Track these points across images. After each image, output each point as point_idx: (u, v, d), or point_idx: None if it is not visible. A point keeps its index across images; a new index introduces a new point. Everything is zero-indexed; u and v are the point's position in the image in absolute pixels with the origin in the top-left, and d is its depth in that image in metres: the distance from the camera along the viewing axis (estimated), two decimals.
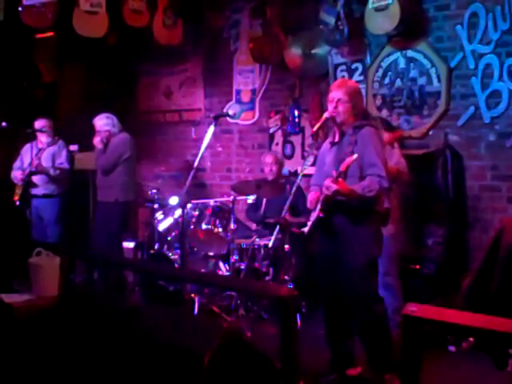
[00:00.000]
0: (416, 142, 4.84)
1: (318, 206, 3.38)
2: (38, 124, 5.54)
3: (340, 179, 3.24)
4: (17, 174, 5.49)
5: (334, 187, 3.23)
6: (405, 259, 4.42)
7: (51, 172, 5.48)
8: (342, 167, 3.24)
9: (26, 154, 5.54)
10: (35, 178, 5.45)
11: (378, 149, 3.35)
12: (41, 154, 5.43)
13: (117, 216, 5.28)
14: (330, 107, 3.45)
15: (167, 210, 5.33)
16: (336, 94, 3.45)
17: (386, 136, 4.13)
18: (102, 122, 5.30)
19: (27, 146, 5.54)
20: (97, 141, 5.28)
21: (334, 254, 3.41)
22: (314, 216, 3.45)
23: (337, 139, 3.49)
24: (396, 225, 4.11)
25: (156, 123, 6.74)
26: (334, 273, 3.44)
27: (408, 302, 1.80)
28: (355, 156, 3.23)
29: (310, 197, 3.50)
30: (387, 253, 3.89)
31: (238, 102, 6.07)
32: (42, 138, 5.54)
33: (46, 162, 5.51)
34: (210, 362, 1.59)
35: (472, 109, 4.57)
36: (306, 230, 3.53)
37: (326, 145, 3.65)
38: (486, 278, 3.61)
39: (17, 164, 5.63)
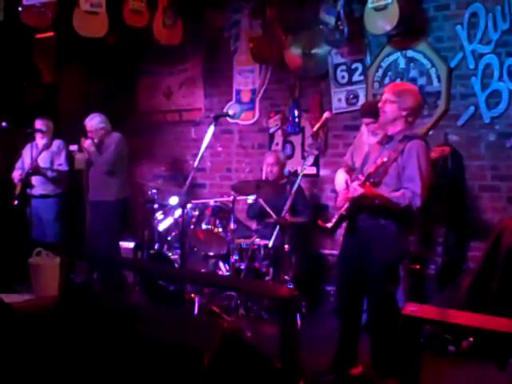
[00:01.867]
0: None
1: (346, 205, 3.35)
2: (37, 124, 5.55)
3: (367, 183, 3.18)
4: (15, 175, 5.49)
5: (360, 191, 3.19)
6: None
7: (48, 174, 5.47)
8: (370, 168, 3.19)
9: (27, 154, 5.55)
10: (33, 179, 5.44)
11: (423, 165, 3.21)
12: (38, 156, 5.41)
13: (118, 214, 5.32)
14: (381, 109, 3.38)
15: (167, 210, 5.33)
16: (386, 94, 3.38)
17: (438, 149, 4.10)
18: (97, 120, 5.31)
19: (28, 146, 5.55)
20: (88, 144, 5.26)
21: (357, 254, 3.40)
22: (339, 212, 3.41)
23: (384, 141, 3.42)
24: None
25: (156, 123, 6.74)
26: (356, 273, 3.43)
27: (408, 302, 1.80)
28: (385, 159, 3.17)
29: (341, 195, 3.44)
30: None
31: (238, 102, 6.07)
32: (40, 139, 5.54)
33: (44, 162, 5.50)
34: (210, 362, 1.58)
35: (472, 109, 4.57)
36: (329, 225, 3.51)
37: (375, 143, 3.57)
38: (486, 278, 3.62)
39: (18, 164, 5.63)
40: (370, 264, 3.33)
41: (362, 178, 3.19)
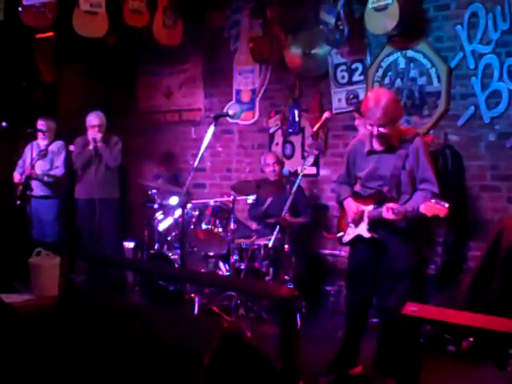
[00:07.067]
0: None
1: (366, 222, 3.37)
2: (39, 124, 5.55)
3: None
4: (16, 176, 5.49)
5: (392, 218, 3.21)
6: None
7: (45, 179, 5.48)
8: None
9: (28, 154, 5.55)
10: (31, 182, 5.44)
11: (429, 161, 3.30)
12: (36, 161, 5.41)
13: (119, 211, 5.44)
14: (374, 130, 3.25)
15: (167, 210, 5.33)
16: (373, 116, 3.21)
17: None
18: (101, 115, 5.38)
19: (30, 145, 5.55)
20: (100, 136, 5.28)
21: (376, 262, 3.40)
22: (356, 230, 3.43)
23: (379, 149, 3.37)
24: None
25: (156, 123, 6.74)
26: (371, 281, 3.44)
27: (408, 302, 1.80)
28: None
29: (355, 209, 3.42)
30: None
31: (238, 102, 6.06)
32: (42, 139, 5.55)
33: (43, 164, 5.51)
34: (210, 362, 1.58)
35: (472, 109, 4.56)
36: (345, 238, 3.53)
37: (359, 147, 3.50)
38: (486, 278, 3.62)
39: (20, 163, 5.63)
40: (392, 273, 3.32)
41: (397, 206, 3.21)
